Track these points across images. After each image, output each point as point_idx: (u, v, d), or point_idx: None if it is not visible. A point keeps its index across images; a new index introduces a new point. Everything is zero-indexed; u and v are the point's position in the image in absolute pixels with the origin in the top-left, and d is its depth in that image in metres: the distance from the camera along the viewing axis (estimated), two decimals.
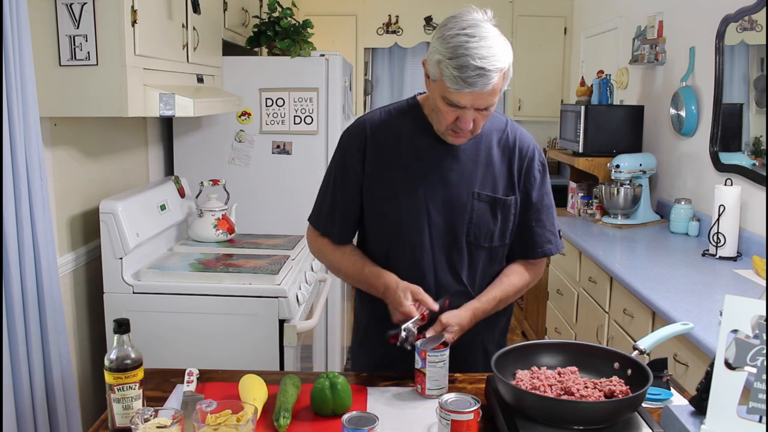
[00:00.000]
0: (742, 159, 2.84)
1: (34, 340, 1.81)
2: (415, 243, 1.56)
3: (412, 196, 1.55)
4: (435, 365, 1.42)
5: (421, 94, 1.62)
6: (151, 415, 1.18)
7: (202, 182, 2.80)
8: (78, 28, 1.97)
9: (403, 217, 1.56)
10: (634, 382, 1.27)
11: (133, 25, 2.01)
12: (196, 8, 2.52)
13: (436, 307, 1.47)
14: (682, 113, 3.25)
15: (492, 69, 1.34)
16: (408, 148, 1.56)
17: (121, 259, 2.23)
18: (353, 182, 1.58)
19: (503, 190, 1.57)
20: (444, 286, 1.57)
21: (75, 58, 1.99)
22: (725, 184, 2.75)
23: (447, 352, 1.43)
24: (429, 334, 1.46)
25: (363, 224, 1.64)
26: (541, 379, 1.30)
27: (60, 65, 1.99)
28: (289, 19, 3.11)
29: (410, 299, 1.47)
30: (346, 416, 1.19)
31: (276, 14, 3.13)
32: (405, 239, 1.57)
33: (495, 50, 1.35)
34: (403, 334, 1.42)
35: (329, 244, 1.65)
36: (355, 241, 1.70)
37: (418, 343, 1.43)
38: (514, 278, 1.62)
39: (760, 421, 1.04)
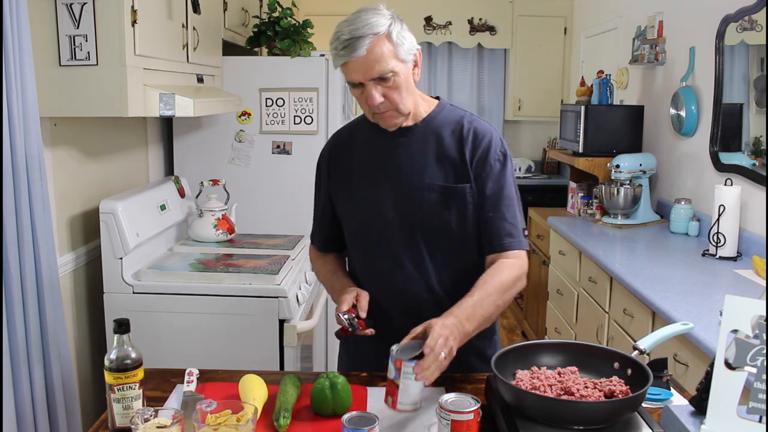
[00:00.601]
0: (742, 159, 2.84)
1: (34, 340, 1.81)
2: (374, 242, 1.58)
3: (368, 196, 1.58)
4: (409, 377, 1.26)
5: None
6: (151, 415, 1.18)
7: (202, 182, 2.80)
8: (78, 28, 1.97)
9: (362, 217, 1.60)
10: (634, 382, 1.27)
11: (133, 25, 2.01)
12: (196, 8, 2.52)
13: (363, 314, 1.48)
14: (682, 113, 3.25)
15: (362, 35, 1.40)
16: (365, 152, 1.61)
17: (121, 259, 2.23)
18: (325, 194, 1.68)
19: (455, 178, 1.54)
20: (405, 285, 1.57)
21: (75, 58, 1.99)
22: (725, 184, 2.75)
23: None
24: (406, 340, 1.33)
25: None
26: (541, 379, 1.30)
27: (60, 65, 1.99)
28: (289, 19, 3.11)
29: (350, 296, 1.50)
30: (346, 416, 1.19)
31: (276, 14, 3.13)
32: (366, 239, 1.60)
33: (366, 20, 1.42)
34: (346, 322, 1.46)
35: (315, 252, 1.77)
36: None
37: (394, 349, 1.30)
38: (490, 275, 1.49)
39: (760, 421, 1.04)
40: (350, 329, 1.47)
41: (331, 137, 1.73)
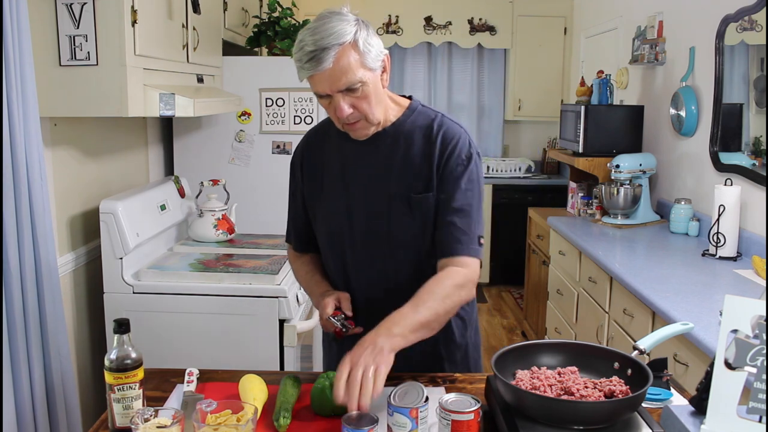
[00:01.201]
0: (742, 159, 2.84)
1: (34, 340, 1.81)
2: (342, 247, 1.56)
3: (336, 202, 1.56)
4: (402, 428, 1.19)
5: None
6: (151, 415, 1.18)
7: (202, 182, 2.80)
8: (78, 28, 1.97)
9: (331, 224, 1.58)
10: (634, 382, 1.27)
11: (133, 25, 2.01)
12: (196, 8, 2.52)
13: (349, 314, 1.50)
14: (682, 113, 3.25)
15: (327, 46, 1.33)
16: (333, 155, 1.58)
17: (121, 259, 2.23)
18: (300, 195, 1.67)
19: (421, 187, 1.48)
20: (373, 292, 1.56)
21: (75, 58, 1.99)
22: (725, 184, 2.75)
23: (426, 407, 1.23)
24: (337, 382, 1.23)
25: None
26: (541, 379, 1.30)
27: (60, 65, 1.99)
28: (289, 19, 3.12)
29: (331, 299, 1.50)
30: (345, 416, 1.19)
31: (276, 14, 3.13)
32: (335, 244, 1.58)
33: (331, 30, 1.34)
34: (339, 324, 1.47)
35: (292, 253, 1.75)
36: None
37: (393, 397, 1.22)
38: (432, 281, 1.42)
39: (760, 421, 1.04)
40: (344, 330, 1.48)
41: (304, 137, 1.69)
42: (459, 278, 1.43)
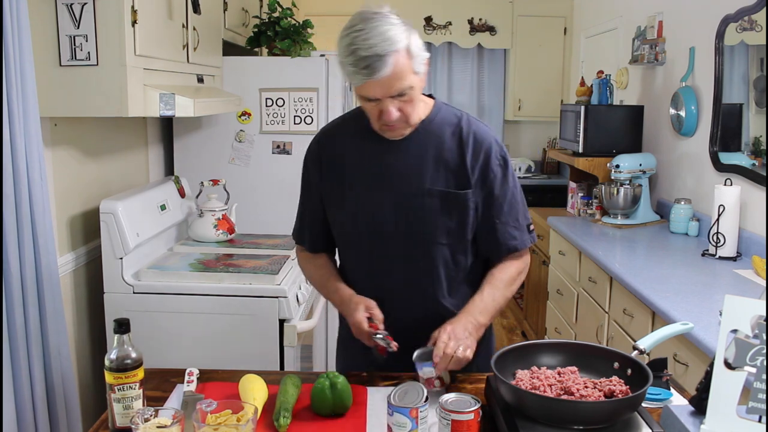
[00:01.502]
0: (741, 159, 2.84)
1: (34, 340, 1.81)
2: (371, 244, 1.56)
3: (364, 198, 1.55)
4: (402, 428, 1.22)
5: None
6: (151, 415, 1.18)
7: (202, 182, 2.80)
8: (78, 28, 1.97)
9: (357, 219, 1.56)
10: (634, 382, 1.27)
11: (133, 25, 2.01)
12: (196, 8, 2.52)
13: (381, 325, 1.46)
14: (682, 113, 3.25)
15: (385, 53, 1.34)
16: (356, 153, 1.57)
17: (121, 259, 2.23)
18: (315, 193, 1.64)
19: (457, 184, 1.52)
20: (403, 289, 1.56)
21: (75, 58, 1.99)
22: (725, 184, 2.75)
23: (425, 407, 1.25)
24: (429, 344, 1.43)
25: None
26: (541, 379, 1.30)
27: (60, 65, 1.99)
28: (289, 19, 3.11)
29: (362, 311, 1.48)
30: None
31: (276, 14, 3.13)
32: (361, 241, 1.57)
33: (386, 35, 1.35)
34: (382, 343, 1.43)
35: (305, 254, 1.73)
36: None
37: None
38: (501, 274, 1.58)
39: (759, 421, 1.04)
40: (388, 348, 1.44)
41: (319, 134, 1.66)
42: (520, 265, 1.62)
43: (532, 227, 1.64)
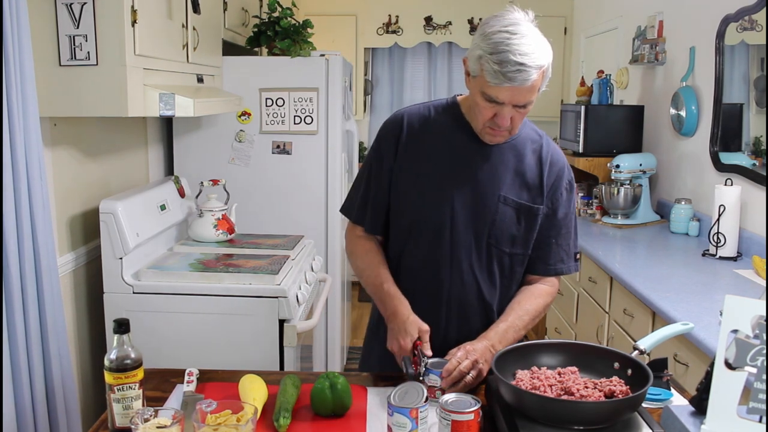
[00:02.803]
0: (742, 159, 2.84)
1: (34, 340, 1.81)
2: (435, 238, 1.56)
3: (438, 190, 1.55)
4: (402, 428, 1.22)
5: (460, 95, 1.63)
6: (151, 415, 1.18)
7: (202, 182, 2.80)
8: (78, 28, 1.97)
9: (426, 210, 1.56)
10: (634, 382, 1.27)
11: (133, 25, 2.01)
12: (196, 8, 2.52)
13: (429, 353, 1.45)
14: (682, 113, 3.25)
15: (532, 65, 1.36)
16: (441, 144, 1.57)
17: (121, 259, 2.22)
18: (386, 170, 1.60)
19: (530, 198, 1.56)
20: (457, 288, 1.57)
21: (75, 58, 1.99)
22: (725, 184, 2.75)
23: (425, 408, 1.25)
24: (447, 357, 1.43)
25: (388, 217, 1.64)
26: (541, 379, 1.30)
27: (60, 65, 1.99)
28: (289, 19, 3.11)
29: (415, 335, 1.47)
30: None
31: (276, 14, 3.13)
32: (425, 233, 1.56)
33: (535, 47, 1.38)
34: (423, 366, 1.43)
35: (357, 233, 1.67)
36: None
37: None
38: (528, 305, 1.58)
39: (760, 421, 1.04)
40: (422, 370, 1.43)
41: (401, 114, 1.62)
42: (549, 299, 1.63)
43: (578, 256, 1.67)
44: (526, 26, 1.39)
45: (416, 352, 1.46)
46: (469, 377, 1.40)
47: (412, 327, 1.48)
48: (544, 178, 1.57)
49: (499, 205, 1.54)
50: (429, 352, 1.45)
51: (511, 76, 1.36)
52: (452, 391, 1.34)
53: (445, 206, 1.54)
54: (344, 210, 1.71)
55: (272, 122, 3.06)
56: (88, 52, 1.98)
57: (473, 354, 1.42)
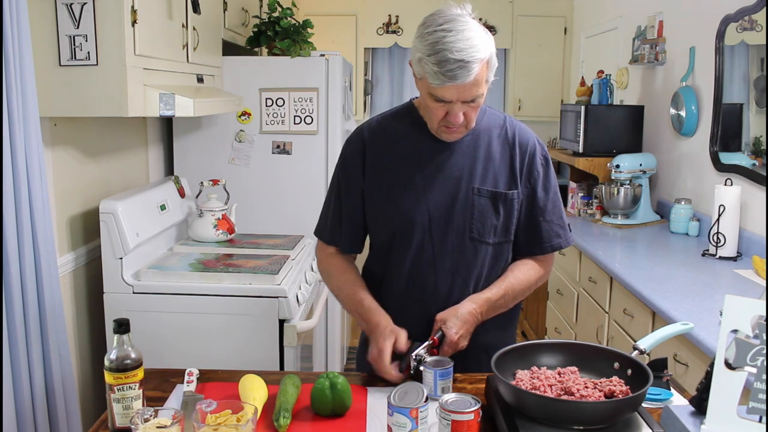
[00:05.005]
0: (742, 159, 2.84)
1: (34, 340, 1.81)
2: (416, 242, 1.55)
3: (412, 195, 1.55)
4: (402, 428, 1.22)
5: (416, 98, 1.62)
6: (151, 415, 1.18)
7: (202, 182, 2.80)
8: (78, 28, 1.97)
9: (404, 217, 1.55)
10: (634, 382, 1.27)
11: (133, 25, 2.01)
12: (196, 8, 2.52)
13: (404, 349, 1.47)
14: (682, 113, 3.25)
15: (471, 60, 1.35)
16: (406, 149, 1.57)
17: (121, 259, 2.23)
18: (356, 187, 1.60)
19: (504, 185, 1.56)
20: (447, 291, 1.57)
21: (75, 58, 1.99)
22: (725, 184, 2.75)
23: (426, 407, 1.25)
24: (428, 358, 1.44)
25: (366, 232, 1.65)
26: (541, 379, 1.30)
27: (60, 65, 1.99)
28: (289, 19, 3.11)
29: (391, 343, 1.46)
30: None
31: (276, 14, 3.13)
32: (406, 239, 1.56)
33: (473, 41, 1.36)
34: (414, 362, 1.43)
35: (334, 256, 1.66)
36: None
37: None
38: (519, 272, 1.60)
39: (760, 421, 1.04)
40: (419, 367, 1.44)
41: (361, 130, 1.62)
42: (542, 272, 1.64)
43: (570, 227, 1.67)
44: (462, 21, 1.38)
45: (411, 352, 1.46)
46: (462, 343, 1.49)
47: (390, 335, 1.47)
48: (516, 162, 1.56)
49: (475, 198, 1.53)
50: (403, 347, 1.47)
51: (452, 75, 1.35)
52: (452, 391, 1.34)
53: (422, 210, 1.54)
54: (317, 232, 1.69)
55: (272, 122, 3.06)
56: (88, 52, 1.98)
57: (461, 320, 1.49)
